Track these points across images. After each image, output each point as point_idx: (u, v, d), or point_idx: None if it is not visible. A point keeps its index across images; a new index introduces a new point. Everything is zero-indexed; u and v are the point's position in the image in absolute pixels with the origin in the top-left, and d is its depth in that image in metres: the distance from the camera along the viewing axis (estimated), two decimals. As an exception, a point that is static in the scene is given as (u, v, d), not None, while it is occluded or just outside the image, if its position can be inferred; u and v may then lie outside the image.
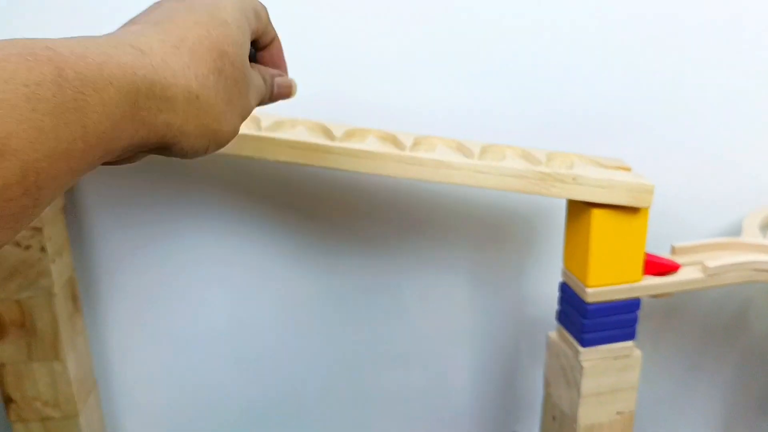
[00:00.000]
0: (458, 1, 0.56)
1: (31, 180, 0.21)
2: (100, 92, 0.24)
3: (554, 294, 0.56)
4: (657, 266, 0.52)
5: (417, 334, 0.67)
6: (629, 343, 0.53)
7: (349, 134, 0.50)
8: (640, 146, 0.60)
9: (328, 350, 0.67)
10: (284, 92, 0.40)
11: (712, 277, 0.52)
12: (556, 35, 0.57)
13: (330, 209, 0.62)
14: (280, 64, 0.40)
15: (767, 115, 0.61)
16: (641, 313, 0.53)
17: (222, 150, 0.37)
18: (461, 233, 0.64)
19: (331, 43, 0.56)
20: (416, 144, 0.50)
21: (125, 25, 0.31)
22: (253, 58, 0.39)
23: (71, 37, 0.25)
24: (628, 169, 0.50)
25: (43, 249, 0.53)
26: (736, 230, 0.62)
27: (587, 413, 0.54)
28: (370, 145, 0.47)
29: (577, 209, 0.50)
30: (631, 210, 0.48)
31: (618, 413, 0.55)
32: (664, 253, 0.54)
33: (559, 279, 0.55)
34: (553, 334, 0.57)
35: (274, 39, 0.39)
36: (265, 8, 0.37)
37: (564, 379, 0.55)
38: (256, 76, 0.36)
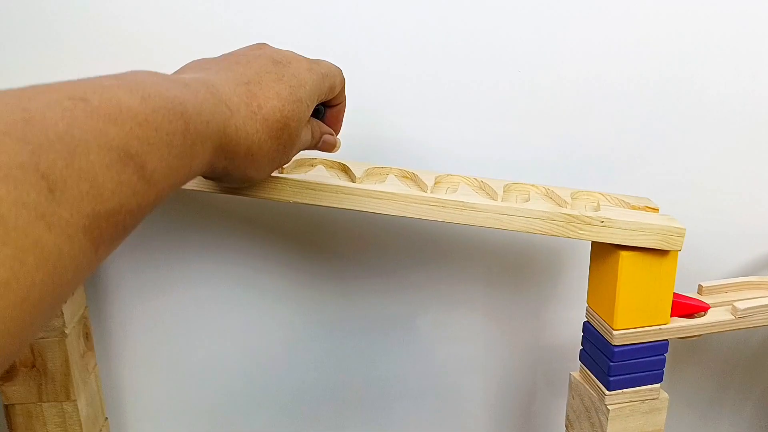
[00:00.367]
0: (478, 36, 0.55)
1: (156, 202, 0.28)
2: (203, 144, 0.31)
3: (573, 331, 0.55)
4: (685, 307, 0.50)
5: (431, 369, 0.66)
6: (656, 386, 0.52)
7: (370, 173, 0.49)
8: (663, 181, 0.59)
9: (341, 382, 0.66)
10: (327, 148, 0.45)
11: (742, 320, 0.51)
12: (577, 70, 0.56)
13: (344, 240, 0.61)
14: (337, 122, 0.47)
15: (793, 147, 0.60)
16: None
17: (245, 192, 0.44)
18: (478, 267, 0.62)
19: (350, 80, 0.55)
20: (437, 183, 0.49)
21: (227, 65, 0.36)
22: (322, 113, 0.46)
23: (188, 83, 0.31)
24: (656, 210, 0.49)
25: (55, 289, 0.51)
26: (763, 266, 0.60)
27: (613, 457, 0.52)
28: (392, 186, 0.46)
29: (604, 251, 0.49)
30: (660, 252, 0.47)
31: (644, 456, 0.53)
32: (690, 292, 0.53)
33: (580, 316, 0.54)
34: (576, 375, 0.55)
35: (341, 103, 0.46)
36: (342, 80, 0.44)
37: (588, 421, 0.54)
38: (306, 132, 0.41)
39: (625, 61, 0.56)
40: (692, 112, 0.58)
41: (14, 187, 0.21)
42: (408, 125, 0.57)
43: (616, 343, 0.49)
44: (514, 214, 0.45)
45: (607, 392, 0.51)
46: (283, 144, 0.37)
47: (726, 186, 0.60)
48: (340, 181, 0.46)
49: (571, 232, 0.46)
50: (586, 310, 0.53)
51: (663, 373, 0.52)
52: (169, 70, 0.35)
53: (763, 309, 0.51)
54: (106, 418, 0.61)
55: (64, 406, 0.55)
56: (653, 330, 0.50)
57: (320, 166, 0.49)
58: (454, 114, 0.57)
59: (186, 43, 0.53)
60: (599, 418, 0.52)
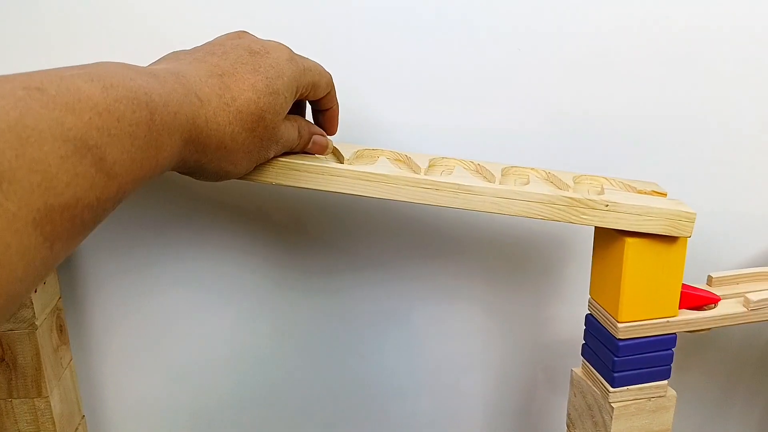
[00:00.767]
0: (476, 12, 0.52)
1: (119, 197, 0.27)
2: (171, 136, 0.30)
3: (576, 325, 0.52)
4: (695, 299, 0.48)
5: (426, 365, 0.63)
6: (663, 382, 0.49)
7: (359, 155, 0.46)
8: (672, 167, 0.56)
9: (334, 379, 0.63)
10: (317, 149, 0.44)
11: (754, 312, 0.48)
12: (580, 49, 0.53)
13: (334, 230, 0.58)
14: (332, 126, 0.46)
15: (806, 132, 0.57)
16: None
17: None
18: (476, 259, 0.60)
19: (338, 58, 0.52)
20: (432, 166, 0.46)
21: (201, 56, 0.36)
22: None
23: (156, 73, 0.31)
24: (664, 194, 0.46)
25: (24, 278, 0.48)
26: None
27: (617, 458, 0.49)
28: (382, 167, 0.43)
29: (608, 237, 0.46)
30: (668, 239, 0.44)
31: (650, 457, 0.50)
32: (699, 283, 0.50)
33: (583, 310, 0.51)
34: (578, 371, 0.53)
35: (332, 108, 0.45)
36: (329, 83, 0.43)
37: (591, 419, 0.51)
38: (289, 130, 0.40)
39: (632, 41, 0.53)
40: (703, 93, 0.55)
41: None
42: (401, 108, 0.54)
43: (620, 337, 0.47)
44: (512, 197, 0.42)
45: (611, 389, 0.48)
46: (260, 137, 0.36)
47: (739, 171, 0.58)
48: (326, 162, 0.43)
49: (573, 217, 0.43)
50: (589, 301, 0.50)
51: (670, 369, 0.49)
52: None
53: (777, 301, 0.48)
54: (83, 415, 0.58)
55: (36, 403, 0.52)
56: (660, 323, 0.47)
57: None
58: (450, 96, 0.54)
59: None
60: (602, 417, 0.49)
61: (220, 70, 0.35)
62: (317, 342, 0.62)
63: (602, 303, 0.48)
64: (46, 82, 0.25)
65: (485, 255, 0.60)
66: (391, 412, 0.65)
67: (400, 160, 0.47)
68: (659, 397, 0.49)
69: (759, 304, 0.48)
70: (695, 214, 0.43)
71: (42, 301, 0.51)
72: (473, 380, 0.64)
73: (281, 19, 0.51)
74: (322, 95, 0.43)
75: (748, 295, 0.48)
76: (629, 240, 0.44)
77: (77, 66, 0.27)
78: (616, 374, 0.47)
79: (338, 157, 0.45)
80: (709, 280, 0.51)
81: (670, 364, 0.49)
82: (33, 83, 0.24)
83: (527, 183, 0.45)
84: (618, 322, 0.46)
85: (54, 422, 0.52)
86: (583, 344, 0.52)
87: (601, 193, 0.45)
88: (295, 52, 0.40)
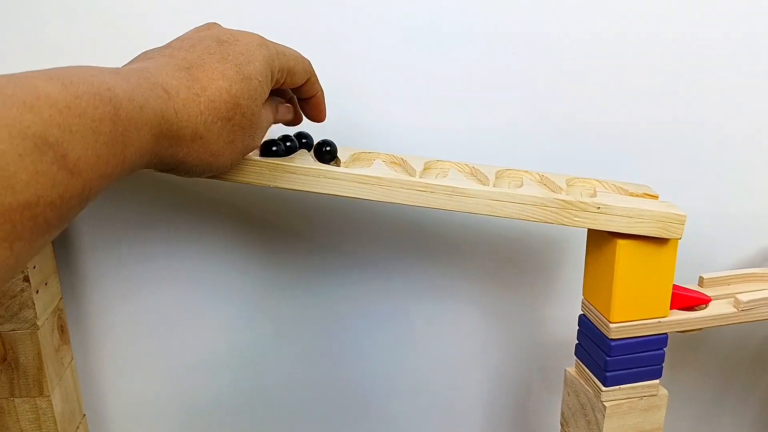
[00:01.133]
0: (471, 16, 0.52)
1: (85, 194, 0.26)
2: (138, 131, 0.29)
3: (570, 323, 0.53)
4: (685, 299, 0.48)
5: (423, 364, 0.64)
6: (655, 382, 0.50)
7: (355, 158, 0.47)
8: (664, 169, 0.57)
9: (331, 378, 0.64)
10: (281, 120, 0.44)
11: (745, 312, 0.48)
12: (574, 53, 0.54)
13: (332, 232, 0.59)
14: (318, 112, 0.45)
15: (797, 135, 0.58)
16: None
17: (221, 175, 0.42)
18: (473, 260, 0.60)
19: (334, 62, 0.53)
20: (427, 169, 0.47)
21: (169, 52, 0.35)
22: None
23: (121, 71, 0.30)
24: (655, 197, 0.47)
25: (26, 279, 0.49)
26: (766, 257, 0.58)
27: (609, 456, 0.50)
28: (378, 170, 0.44)
29: (600, 239, 0.47)
30: (659, 241, 0.45)
31: (642, 456, 0.51)
32: (690, 284, 0.51)
33: (576, 309, 0.52)
34: (572, 370, 0.53)
35: (316, 95, 0.44)
36: (307, 69, 0.42)
37: (584, 418, 0.52)
38: (267, 115, 0.40)
39: (625, 44, 0.54)
40: (695, 97, 0.56)
41: None
42: (396, 110, 0.55)
43: (613, 337, 0.47)
44: (505, 199, 0.43)
45: (603, 388, 0.48)
46: (240, 125, 0.35)
47: (731, 174, 0.58)
48: (323, 165, 0.44)
49: (565, 219, 0.44)
50: (582, 302, 0.51)
51: (662, 368, 0.49)
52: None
53: (767, 302, 0.49)
54: (84, 414, 0.59)
55: (38, 402, 0.52)
56: (652, 323, 0.48)
57: (303, 150, 0.47)
58: (445, 98, 0.55)
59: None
60: (595, 416, 0.50)
61: (187, 63, 0.34)
62: (315, 342, 0.62)
63: (595, 303, 0.49)
64: (3, 82, 0.25)
65: (481, 256, 0.60)
66: (387, 411, 0.65)
67: (395, 163, 0.48)
68: (651, 396, 0.50)
69: (749, 304, 0.48)
70: (685, 216, 0.43)
71: (43, 302, 0.51)
72: (469, 380, 0.65)
73: (277, 21, 0.52)
74: (300, 82, 0.42)
75: (738, 295, 0.49)
76: (621, 242, 0.45)
77: (35, 70, 0.27)
78: (608, 373, 0.48)
79: (335, 161, 0.46)
80: (701, 281, 0.51)
81: (661, 364, 0.49)
82: None
83: (521, 185, 0.46)
84: (610, 322, 0.47)
85: (55, 421, 0.53)
86: (576, 344, 0.52)
87: (594, 195, 0.46)
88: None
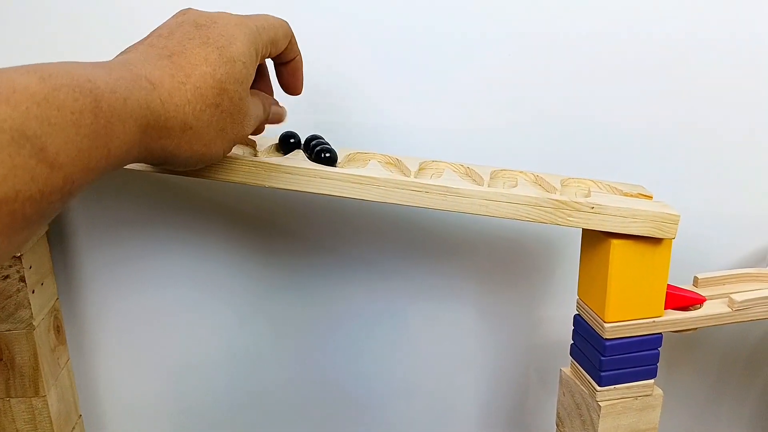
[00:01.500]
0: (466, 17, 0.53)
1: (67, 189, 0.26)
2: (123, 123, 0.28)
3: (566, 323, 0.53)
4: (680, 299, 0.48)
5: (422, 363, 0.64)
6: (650, 382, 0.50)
7: (351, 159, 0.47)
8: (659, 169, 0.57)
9: (328, 379, 0.64)
10: (275, 119, 0.44)
11: (739, 312, 0.48)
12: (570, 53, 0.54)
13: (328, 232, 0.59)
14: (296, 80, 0.44)
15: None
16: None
17: (216, 175, 0.42)
18: (469, 260, 0.60)
19: (331, 62, 0.53)
20: (422, 169, 0.47)
21: (149, 41, 0.34)
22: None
23: (104, 64, 0.30)
24: (649, 197, 0.47)
25: (22, 279, 0.49)
26: (762, 257, 0.58)
27: (604, 456, 0.50)
28: (373, 171, 0.44)
29: (594, 239, 0.47)
30: (653, 241, 0.45)
31: (637, 455, 0.51)
32: (685, 284, 0.51)
33: (571, 308, 0.52)
34: (567, 370, 0.53)
35: (296, 59, 0.43)
36: (287, 33, 0.40)
37: (579, 418, 0.52)
38: (256, 105, 0.39)
39: (620, 45, 0.54)
40: (690, 97, 0.56)
41: None
42: (393, 111, 0.55)
43: (607, 337, 0.47)
44: (500, 199, 0.43)
45: (598, 388, 0.49)
46: (228, 111, 0.35)
47: (726, 174, 0.58)
48: (318, 165, 0.44)
49: (560, 219, 0.44)
50: (577, 302, 0.51)
51: (657, 368, 0.50)
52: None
53: (761, 301, 0.49)
54: (80, 415, 0.59)
55: (33, 402, 0.52)
56: (646, 323, 0.48)
57: (298, 150, 0.47)
58: (440, 99, 0.55)
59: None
60: (590, 415, 0.50)
61: (168, 51, 0.34)
62: (311, 341, 0.62)
63: (589, 303, 0.49)
64: None
65: (477, 256, 0.60)
66: (383, 411, 0.65)
67: (390, 163, 0.48)
68: (646, 395, 0.50)
69: (743, 304, 0.48)
70: (679, 216, 0.43)
71: (40, 302, 0.51)
72: (466, 380, 0.65)
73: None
74: (282, 49, 0.41)
75: (733, 295, 0.49)
76: (615, 242, 0.45)
77: (15, 66, 0.27)
78: (603, 373, 0.48)
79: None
80: (695, 281, 0.51)
81: (656, 364, 0.49)
82: None
83: (516, 185, 0.46)
84: (605, 322, 0.47)
85: (51, 421, 0.53)
86: (571, 344, 0.52)
87: (588, 195, 0.46)
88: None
